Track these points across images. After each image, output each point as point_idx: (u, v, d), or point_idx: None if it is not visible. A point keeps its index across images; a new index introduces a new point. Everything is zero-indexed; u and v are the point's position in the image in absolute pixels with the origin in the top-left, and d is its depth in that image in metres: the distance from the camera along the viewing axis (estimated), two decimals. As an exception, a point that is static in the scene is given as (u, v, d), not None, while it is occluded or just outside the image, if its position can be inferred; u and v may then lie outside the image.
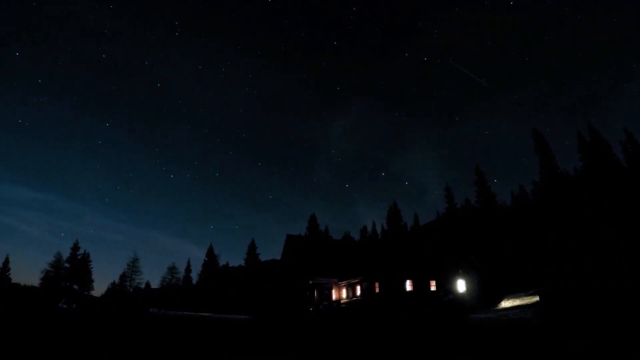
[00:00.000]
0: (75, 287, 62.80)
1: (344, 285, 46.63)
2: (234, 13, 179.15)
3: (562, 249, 30.07)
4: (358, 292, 43.23)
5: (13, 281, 65.79)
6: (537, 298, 24.06)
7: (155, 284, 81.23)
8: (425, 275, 37.72)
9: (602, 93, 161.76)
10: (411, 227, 63.21)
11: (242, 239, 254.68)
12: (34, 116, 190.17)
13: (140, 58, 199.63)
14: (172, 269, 76.09)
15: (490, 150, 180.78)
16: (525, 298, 26.35)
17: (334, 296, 46.88)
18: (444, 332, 20.03)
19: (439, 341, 17.76)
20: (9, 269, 67.22)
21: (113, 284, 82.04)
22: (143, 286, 75.57)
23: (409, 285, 38.69)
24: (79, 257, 65.01)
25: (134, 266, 70.81)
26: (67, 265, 63.96)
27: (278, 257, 63.55)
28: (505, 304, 27.35)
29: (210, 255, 73.63)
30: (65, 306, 50.98)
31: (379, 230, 71.29)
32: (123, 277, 71.18)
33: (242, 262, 72.28)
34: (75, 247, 65.14)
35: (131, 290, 70.29)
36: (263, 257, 71.69)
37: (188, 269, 78.67)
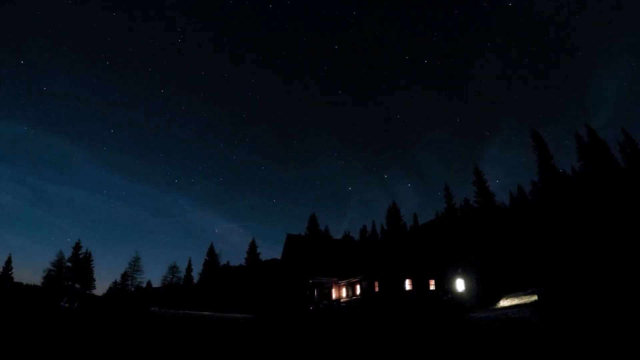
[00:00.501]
0: (77, 286, 63.19)
1: (344, 285, 46.87)
2: (235, 18, 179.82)
3: (562, 249, 30.04)
4: (358, 292, 43.46)
5: (15, 280, 66.11)
6: (535, 297, 24.17)
7: (156, 283, 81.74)
8: (425, 274, 37.89)
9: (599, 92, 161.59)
10: (410, 226, 63.43)
11: (242, 238, 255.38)
12: (38, 114, 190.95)
13: (142, 64, 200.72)
14: (173, 268, 76.52)
15: (490, 150, 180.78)
16: (524, 297, 26.44)
17: (334, 295, 47.12)
18: (444, 331, 20.09)
19: (439, 341, 17.81)
20: (12, 268, 67.57)
21: (115, 283, 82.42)
22: (144, 285, 75.99)
23: (408, 285, 38.87)
24: (80, 256, 65.40)
25: (135, 265, 71.20)
26: (69, 264, 64.38)
27: (278, 257, 63.92)
28: (504, 303, 27.49)
29: (211, 254, 73.93)
30: (67, 305, 51.34)
31: (378, 230, 71.58)
32: (125, 276, 71.53)
33: (243, 262, 72.66)
34: (77, 247, 65.55)
35: (132, 289, 70.67)
36: (263, 257, 72.07)
37: (189, 268, 79.01)
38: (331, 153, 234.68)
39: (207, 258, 73.77)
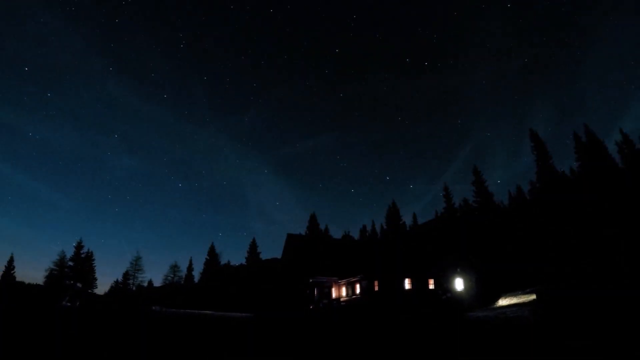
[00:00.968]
0: (79, 285, 63.54)
1: (344, 284, 47.12)
2: (236, 24, 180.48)
3: (562, 248, 30.09)
4: (357, 291, 43.70)
5: (18, 280, 66.47)
6: (534, 296, 24.22)
7: (158, 282, 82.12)
8: (424, 273, 38.05)
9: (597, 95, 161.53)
10: (410, 226, 63.67)
11: (243, 237, 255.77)
12: (41, 116, 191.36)
13: (145, 70, 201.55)
14: (174, 268, 76.91)
15: (489, 150, 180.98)
16: (522, 296, 26.54)
17: (334, 294, 47.35)
18: (444, 330, 20.13)
19: (439, 340, 17.86)
20: (14, 267, 67.89)
21: (116, 282, 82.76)
22: (146, 284, 76.32)
23: (407, 284, 39.07)
24: (82, 255, 65.73)
25: (136, 265, 71.59)
26: (70, 263, 64.71)
27: (279, 256, 64.17)
28: (503, 302, 27.62)
29: (212, 254, 74.25)
30: (69, 304, 51.73)
31: (378, 229, 71.85)
32: (126, 275, 71.87)
33: (244, 261, 72.99)
34: (79, 246, 65.87)
35: (134, 288, 71.01)
36: (264, 256, 72.42)
37: (190, 268, 79.36)
38: (332, 153, 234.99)
39: (208, 257, 74.11)
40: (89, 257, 66.94)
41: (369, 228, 75.55)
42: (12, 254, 70.80)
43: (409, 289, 38.56)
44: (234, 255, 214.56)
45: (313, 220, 68.24)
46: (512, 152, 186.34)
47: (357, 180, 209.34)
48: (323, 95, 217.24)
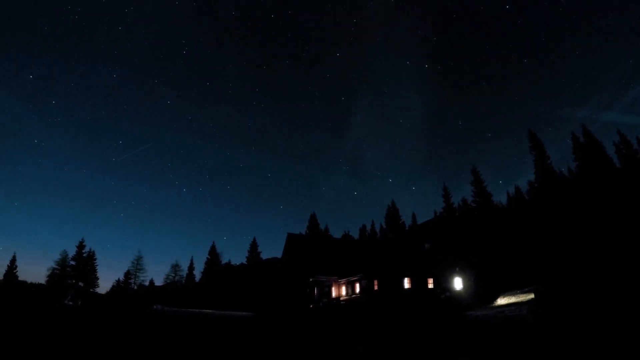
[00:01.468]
0: (81, 284, 63.91)
1: (344, 283, 47.39)
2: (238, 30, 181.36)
3: (561, 248, 30.12)
4: (357, 290, 43.97)
5: (20, 279, 66.88)
6: (532, 295, 24.40)
7: (159, 281, 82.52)
8: (423, 273, 38.27)
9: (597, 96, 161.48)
10: (409, 226, 63.92)
11: (244, 237, 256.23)
12: (43, 118, 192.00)
13: (149, 77, 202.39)
14: (175, 267, 77.33)
15: (487, 150, 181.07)
16: (521, 295, 26.70)
17: (334, 293, 47.63)
18: (444, 330, 20.19)
19: (439, 339, 17.90)
20: (16, 267, 68.37)
21: (118, 281, 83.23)
22: (147, 284, 76.76)
23: (407, 283, 39.30)
24: (84, 255, 66.14)
25: (138, 264, 72.04)
26: (72, 263, 65.12)
27: (279, 256, 64.47)
28: (501, 301, 27.79)
29: (213, 253, 74.57)
30: (71, 303, 52.01)
31: (377, 229, 72.10)
32: (128, 274, 72.28)
33: (244, 260, 73.33)
34: (81, 246, 66.27)
35: (135, 287, 71.44)
36: (264, 256, 72.76)
37: (191, 267, 79.65)
38: (333, 155, 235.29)
39: (209, 257, 74.41)
40: (91, 256, 67.35)
41: (368, 228, 75.91)
42: (14, 253, 71.24)
43: (408, 288, 38.80)
44: (235, 255, 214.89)
45: (313, 220, 68.57)
46: (512, 152, 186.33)
47: (357, 180, 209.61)
48: (325, 100, 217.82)
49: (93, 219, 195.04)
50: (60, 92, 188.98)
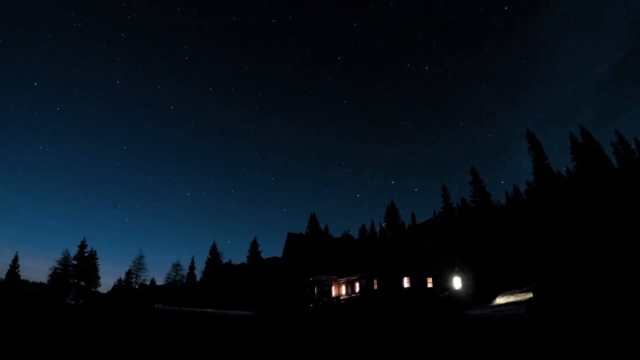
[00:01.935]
0: (83, 283, 64.26)
1: (344, 282, 47.60)
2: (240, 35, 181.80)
3: (561, 248, 30.16)
4: (357, 289, 44.17)
5: (22, 278, 67.18)
6: (530, 295, 24.55)
7: (160, 281, 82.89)
8: (422, 272, 38.43)
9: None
10: (409, 225, 64.12)
11: (244, 237, 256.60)
12: (45, 118, 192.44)
13: (152, 80, 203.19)
14: (176, 267, 77.66)
15: (485, 150, 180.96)
16: (520, 295, 26.83)
17: (334, 293, 47.83)
18: (443, 329, 20.23)
19: (439, 338, 17.95)
20: (18, 266, 68.64)
21: (119, 280, 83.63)
22: (148, 283, 77.12)
23: (406, 282, 39.47)
24: (86, 254, 66.45)
25: (139, 263, 72.38)
26: (74, 262, 65.45)
27: (279, 255, 64.76)
28: (500, 300, 27.95)
29: (214, 253, 74.85)
30: (72, 302, 52.33)
31: (377, 229, 72.32)
32: (129, 274, 72.62)
33: (245, 260, 73.61)
34: (83, 245, 66.59)
35: (136, 287, 71.78)
36: (265, 255, 73.06)
37: (192, 267, 79.98)
38: (333, 155, 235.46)
39: (210, 257, 74.70)
40: (93, 256, 67.66)
41: (368, 227, 76.14)
42: (16, 252, 71.30)
43: (407, 287, 38.98)
44: (236, 255, 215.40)
45: (313, 220, 68.81)
46: (510, 152, 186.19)
47: (357, 180, 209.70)
48: (328, 100, 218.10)
49: (95, 219, 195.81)
50: (64, 94, 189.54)
